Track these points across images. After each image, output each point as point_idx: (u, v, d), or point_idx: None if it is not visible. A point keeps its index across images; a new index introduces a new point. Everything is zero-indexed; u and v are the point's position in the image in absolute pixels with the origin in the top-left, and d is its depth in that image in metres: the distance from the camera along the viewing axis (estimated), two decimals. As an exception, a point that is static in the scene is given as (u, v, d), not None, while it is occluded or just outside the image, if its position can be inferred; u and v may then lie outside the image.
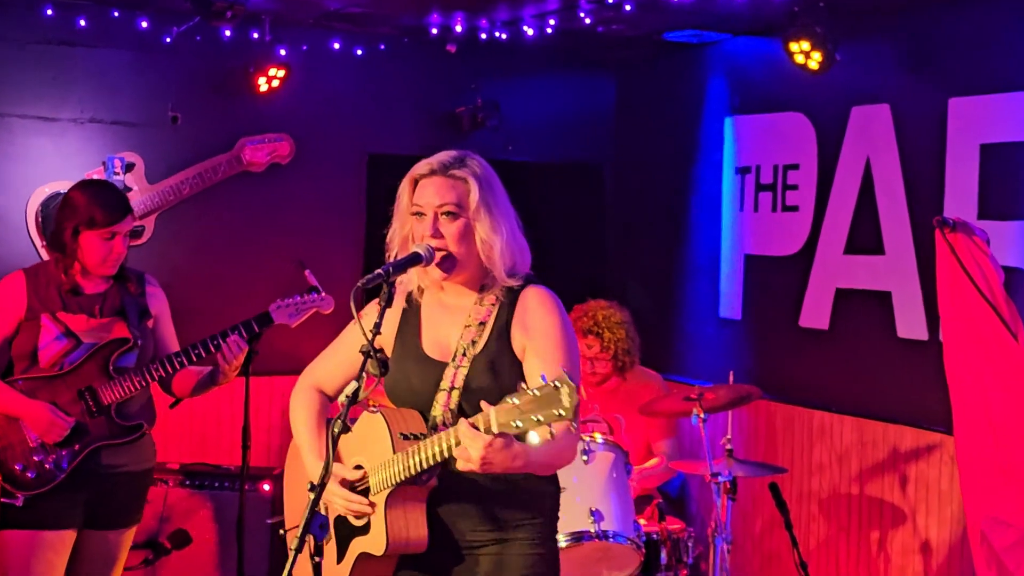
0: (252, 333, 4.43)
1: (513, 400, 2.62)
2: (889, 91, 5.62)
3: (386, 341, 3.22)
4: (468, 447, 2.70)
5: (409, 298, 3.22)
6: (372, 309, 3.17)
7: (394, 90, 6.83)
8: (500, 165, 3.22)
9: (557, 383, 2.56)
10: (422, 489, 3.04)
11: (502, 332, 3.05)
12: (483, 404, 2.70)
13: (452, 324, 3.12)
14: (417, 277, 3.18)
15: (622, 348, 5.67)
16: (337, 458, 3.27)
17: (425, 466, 2.90)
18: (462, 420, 2.74)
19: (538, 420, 2.58)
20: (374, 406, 3.14)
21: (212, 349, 4.35)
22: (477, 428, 2.70)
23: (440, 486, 3.06)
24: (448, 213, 3.03)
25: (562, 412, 2.54)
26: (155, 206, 6.20)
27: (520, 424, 2.60)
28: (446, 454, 2.83)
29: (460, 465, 2.75)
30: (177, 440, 6.31)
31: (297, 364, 6.44)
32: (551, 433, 2.61)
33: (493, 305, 3.08)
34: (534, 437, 2.63)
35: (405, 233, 3.12)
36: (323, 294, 4.71)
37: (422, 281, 3.18)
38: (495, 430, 2.65)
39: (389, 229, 3.17)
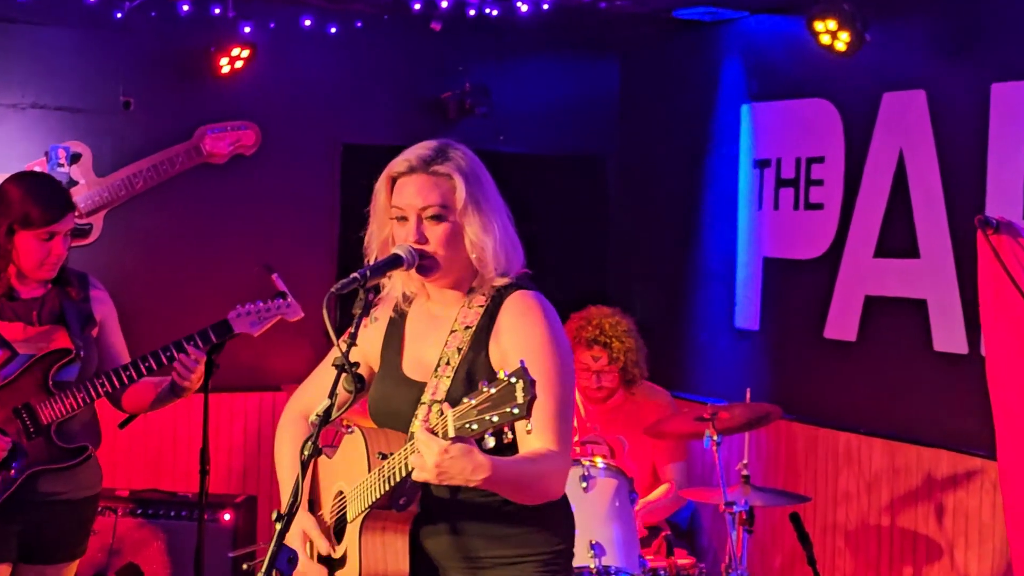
0: (210, 344, 4.41)
1: (470, 400, 2.62)
2: (925, 76, 5.61)
3: (372, 356, 3.22)
4: (423, 453, 2.68)
5: (396, 308, 3.21)
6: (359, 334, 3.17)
7: (372, 73, 6.82)
8: (490, 157, 3.20)
9: (513, 377, 2.56)
10: (403, 516, 3.01)
11: (479, 339, 3.04)
12: (444, 407, 2.69)
13: (436, 338, 3.11)
14: (402, 283, 3.16)
15: (631, 359, 5.68)
16: (317, 486, 3.28)
17: (394, 482, 2.88)
18: (420, 425, 2.73)
19: (492, 420, 2.57)
20: (349, 426, 3.12)
21: (165, 361, 4.32)
22: (436, 434, 2.69)
23: (424, 514, 3.03)
24: (433, 216, 3.02)
25: (516, 410, 2.55)
26: (104, 202, 6.18)
27: (475, 427, 2.60)
28: (411, 466, 2.81)
29: (416, 475, 2.73)
30: (127, 464, 6.29)
31: (262, 379, 6.52)
32: (508, 436, 2.59)
33: (481, 307, 3.07)
34: (490, 442, 2.61)
35: (384, 236, 3.10)
36: (289, 299, 4.70)
37: (407, 288, 3.17)
38: (451, 434, 2.64)
39: (366, 232, 3.15)
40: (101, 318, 4.40)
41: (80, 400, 4.23)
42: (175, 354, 4.32)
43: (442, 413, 2.71)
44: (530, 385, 2.55)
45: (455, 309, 3.10)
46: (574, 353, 5.55)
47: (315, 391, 3.33)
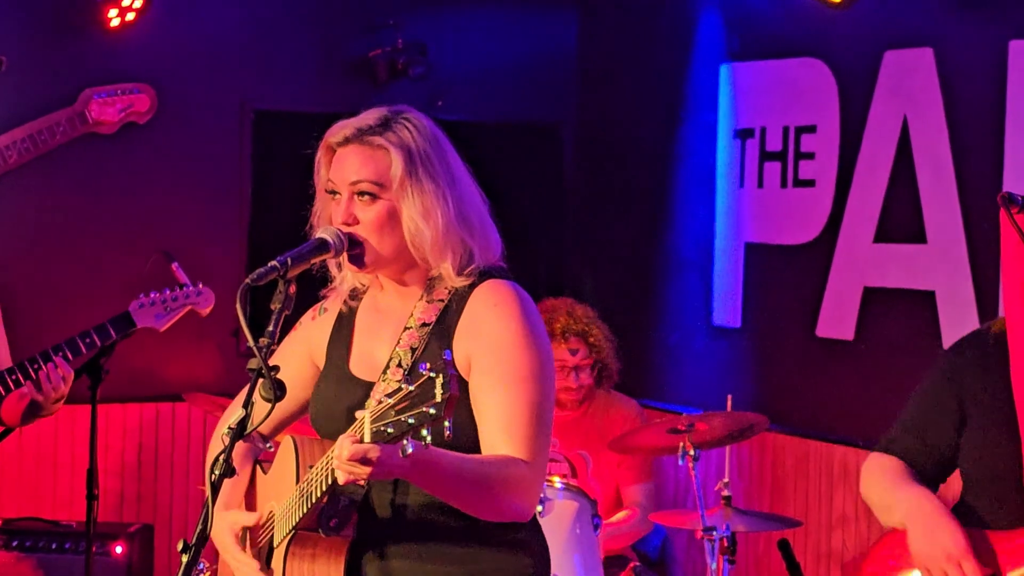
0: (110, 340, 4.38)
1: (388, 399, 2.63)
2: (933, 32, 5.64)
3: (319, 351, 3.25)
4: (340, 447, 2.69)
5: (347, 301, 3.23)
6: (307, 325, 3.24)
7: (288, 27, 6.81)
8: (425, 126, 3.19)
9: (433, 372, 2.58)
10: (336, 542, 2.99)
11: (439, 338, 3.05)
12: (358, 413, 2.70)
13: (388, 333, 3.13)
14: (352, 274, 3.18)
15: (610, 350, 5.69)
16: (255, 507, 3.28)
17: (314, 498, 2.88)
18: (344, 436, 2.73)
19: (409, 422, 2.59)
20: (265, 438, 3.12)
21: (33, 374, 4.28)
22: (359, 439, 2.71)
23: (365, 540, 3.03)
24: (364, 193, 3.02)
25: (431, 410, 2.57)
26: (-30, 178, 6.11)
27: (391, 429, 2.61)
28: (332, 477, 2.82)
29: (339, 478, 2.75)
30: None
31: (159, 386, 6.47)
32: (426, 440, 2.59)
33: (441, 301, 3.08)
34: (408, 447, 2.61)
35: (328, 214, 3.13)
36: (200, 286, 4.67)
37: (359, 279, 3.19)
38: (367, 439, 2.65)
39: (312, 207, 3.18)
40: None
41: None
42: (42, 366, 4.27)
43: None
44: (450, 381, 2.56)
45: (411, 303, 3.12)
46: None
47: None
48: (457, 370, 2.60)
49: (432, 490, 2.88)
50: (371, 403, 2.95)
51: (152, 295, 4.59)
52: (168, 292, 4.63)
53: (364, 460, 2.66)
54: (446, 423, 2.58)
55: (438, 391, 2.56)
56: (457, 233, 3.06)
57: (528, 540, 3.11)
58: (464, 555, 3.04)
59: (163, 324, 4.63)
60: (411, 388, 2.58)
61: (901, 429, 3.54)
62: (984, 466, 3.41)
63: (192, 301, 4.69)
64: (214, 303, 4.77)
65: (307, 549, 2.99)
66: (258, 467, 3.30)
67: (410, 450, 2.59)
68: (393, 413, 2.60)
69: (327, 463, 2.82)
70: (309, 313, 3.26)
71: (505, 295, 3.05)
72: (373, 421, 2.63)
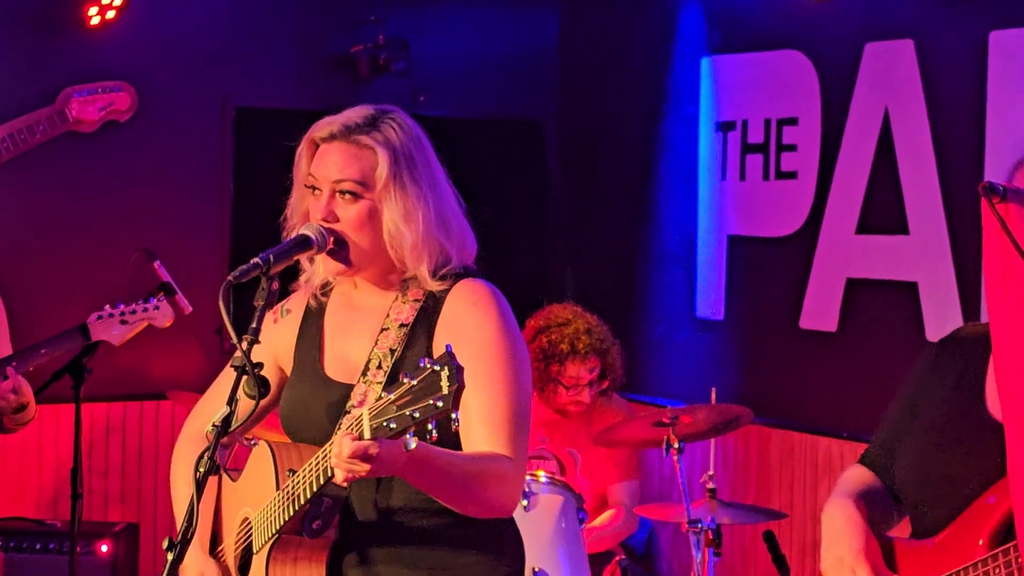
0: (60, 352, 4.36)
1: (388, 394, 2.62)
2: (914, 23, 5.65)
3: (284, 355, 3.21)
4: (340, 445, 2.66)
5: (315, 297, 3.21)
6: (269, 328, 3.18)
7: (269, 24, 6.80)
8: (408, 122, 3.18)
9: (437, 364, 2.58)
10: (317, 544, 2.99)
11: (417, 339, 3.04)
12: (353, 411, 2.71)
13: (362, 333, 3.11)
14: (323, 267, 3.15)
15: (622, 364, 5.75)
16: (220, 516, 3.25)
17: (302, 502, 2.86)
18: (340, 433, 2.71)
19: (413, 416, 2.57)
20: (252, 439, 3.09)
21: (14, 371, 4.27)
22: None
23: (346, 541, 3.02)
24: (346, 192, 3.01)
25: (440, 402, 2.56)
26: (-49, 178, 6.09)
27: (394, 425, 2.59)
28: (325, 476, 2.80)
29: (338, 477, 2.72)
30: (-16, 488, 6.21)
31: (144, 385, 6.45)
32: (432, 434, 2.59)
33: (418, 301, 3.07)
34: (412, 442, 2.60)
35: (304, 208, 3.11)
36: (158, 301, 4.65)
37: (328, 272, 3.15)
38: (367, 436, 2.64)
39: (288, 201, 3.16)
40: None
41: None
42: (6, 368, 4.26)
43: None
44: (456, 373, 2.56)
45: (386, 301, 3.10)
46: (563, 368, 5.57)
47: (218, 402, 3.28)
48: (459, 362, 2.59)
49: (423, 485, 2.87)
50: (354, 401, 2.95)
51: (119, 307, 4.56)
52: (125, 306, 4.59)
53: (364, 457, 2.64)
54: (453, 415, 2.57)
55: (444, 383, 2.55)
56: (436, 237, 3.05)
57: (505, 539, 3.12)
58: (443, 554, 3.04)
59: (120, 338, 4.60)
60: (413, 383, 2.58)
61: (873, 441, 3.45)
62: (911, 470, 3.32)
63: (149, 316, 4.66)
64: (171, 320, 4.72)
65: (289, 553, 2.98)
66: (225, 476, 3.27)
67: (413, 445, 2.59)
68: (394, 408, 2.59)
69: (318, 463, 2.80)
70: (269, 315, 3.20)
71: (482, 294, 3.05)
72: (373, 417, 2.61)
